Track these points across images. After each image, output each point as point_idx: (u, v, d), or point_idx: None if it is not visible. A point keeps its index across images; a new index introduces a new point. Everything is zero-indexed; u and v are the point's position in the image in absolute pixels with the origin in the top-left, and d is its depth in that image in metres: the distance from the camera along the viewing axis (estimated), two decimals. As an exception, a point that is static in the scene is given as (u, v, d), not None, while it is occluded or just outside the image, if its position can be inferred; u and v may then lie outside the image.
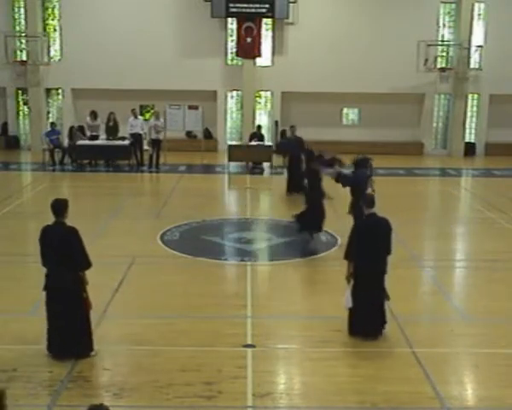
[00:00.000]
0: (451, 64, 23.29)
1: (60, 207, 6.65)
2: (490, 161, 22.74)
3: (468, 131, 24.50)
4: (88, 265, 6.64)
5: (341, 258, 10.51)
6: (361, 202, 7.52)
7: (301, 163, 15.13)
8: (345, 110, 24.22)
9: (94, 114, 20.09)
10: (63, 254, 6.50)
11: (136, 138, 19.40)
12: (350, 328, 7.30)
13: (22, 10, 23.14)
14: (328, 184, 11.47)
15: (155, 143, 19.27)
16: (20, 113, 24.12)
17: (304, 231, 11.42)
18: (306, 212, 11.45)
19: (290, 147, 16.35)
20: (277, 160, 20.79)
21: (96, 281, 7.07)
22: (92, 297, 6.77)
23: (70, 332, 6.60)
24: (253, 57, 22.87)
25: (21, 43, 23.19)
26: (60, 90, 23.88)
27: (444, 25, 23.63)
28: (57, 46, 23.40)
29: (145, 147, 19.67)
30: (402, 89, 23.19)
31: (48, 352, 6.70)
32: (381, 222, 7.23)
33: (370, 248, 7.05)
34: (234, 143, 21.72)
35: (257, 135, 20.32)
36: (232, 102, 24.26)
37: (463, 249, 11.98)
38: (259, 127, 21.09)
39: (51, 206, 6.67)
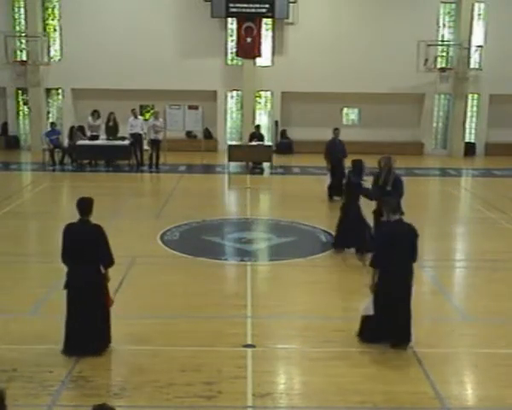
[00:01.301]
0: (451, 64, 23.30)
1: (85, 205, 6.71)
2: (490, 161, 22.75)
3: (468, 131, 24.52)
4: (112, 262, 6.76)
5: (341, 258, 10.59)
6: (383, 207, 7.29)
7: (343, 167, 14.70)
8: (345, 110, 24.23)
9: (97, 114, 20.09)
10: (89, 251, 6.59)
11: (136, 138, 19.40)
12: (361, 333, 7.07)
13: (22, 10, 23.15)
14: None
15: (154, 144, 19.26)
16: (20, 113, 24.13)
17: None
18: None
19: (336, 150, 15.21)
20: (278, 159, 20.84)
21: (96, 281, 7.07)
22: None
23: (92, 329, 6.66)
24: (253, 57, 22.88)
25: (21, 43, 23.20)
26: (60, 90, 23.89)
27: (444, 25, 23.65)
28: (57, 46, 23.41)
29: (145, 147, 19.67)
30: (402, 89, 23.19)
31: (65, 353, 6.67)
32: (406, 228, 6.96)
33: (395, 254, 6.78)
34: (234, 143, 21.75)
35: (256, 135, 20.32)
36: (232, 102, 24.27)
37: (463, 249, 11.98)
38: (258, 127, 21.08)
39: (77, 204, 6.70)
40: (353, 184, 10.59)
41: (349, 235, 10.53)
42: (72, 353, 6.67)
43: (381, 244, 6.96)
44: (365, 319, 7.07)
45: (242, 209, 14.50)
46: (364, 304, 7.06)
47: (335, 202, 14.72)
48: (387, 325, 6.92)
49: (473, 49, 23.38)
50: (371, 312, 6.93)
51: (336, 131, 15.54)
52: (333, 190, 14.90)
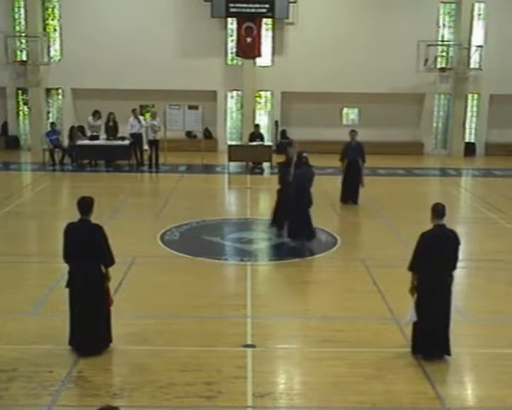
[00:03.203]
0: (451, 64, 23.30)
1: (86, 205, 6.72)
2: (490, 161, 22.75)
3: (468, 131, 24.50)
4: (112, 262, 6.77)
5: (341, 258, 10.60)
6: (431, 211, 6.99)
7: (359, 170, 14.53)
8: (345, 110, 24.22)
9: (98, 114, 20.07)
10: (88, 251, 6.60)
11: (137, 138, 19.40)
12: (414, 346, 6.89)
13: (22, 10, 23.14)
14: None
15: (153, 144, 19.25)
16: (20, 113, 24.11)
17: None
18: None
19: (349, 152, 14.75)
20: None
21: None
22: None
23: (92, 329, 6.68)
24: (253, 57, 22.87)
25: (21, 43, 23.19)
26: (60, 90, 23.88)
27: (444, 25, 23.63)
28: (57, 46, 23.40)
29: (145, 147, 19.67)
30: (402, 89, 23.19)
31: (70, 346, 6.76)
32: (449, 235, 6.80)
33: (436, 260, 6.66)
34: (234, 143, 21.74)
35: (257, 135, 20.32)
36: (232, 102, 24.26)
37: (464, 249, 11.86)
38: (257, 126, 21.06)
39: (77, 203, 6.71)
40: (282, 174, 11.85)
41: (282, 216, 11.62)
42: (75, 349, 6.71)
43: (422, 248, 6.74)
44: (416, 332, 6.86)
45: (242, 209, 14.50)
46: (408, 315, 6.85)
47: (338, 204, 14.70)
48: (429, 334, 6.74)
49: (473, 49, 23.36)
50: (414, 318, 6.75)
51: (352, 133, 15.03)
52: (344, 194, 14.70)
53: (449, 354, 6.79)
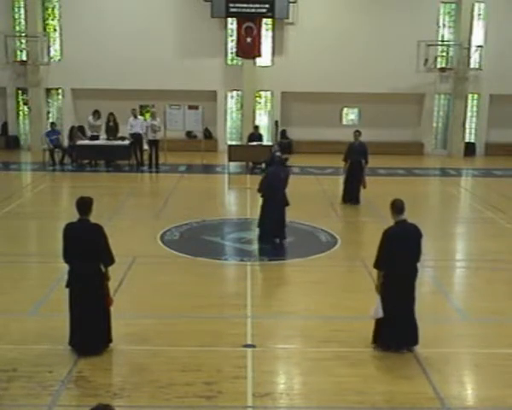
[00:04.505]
0: (451, 64, 23.30)
1: (85, 205, 6.73)
2: (490, 161, 22.75)
3: (468, 131, 24.51)
4: (112, 261, 6.78)
5: (341, 258, 10.60)
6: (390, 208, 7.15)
7: (361, 171, 14.47)
8: (345, 110, 24.23)
9: (98, 114, 20.08)
10: (88, 251, 6.61)
11: (136, 138, 19.41)
12: (376, 338, 6.96)
13: (22, 10, 23.15)
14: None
15: (153, 144, 19.26)
16: (20, 113, 24.12)
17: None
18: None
19: (352, 153, 14.68)
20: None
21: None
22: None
23: (92, 329, 6.69)
24: (253, 57, 22.87)
25: (21, 43, 23.19)
26: (60, 90, 23.89)
27: (444, 25, 23.64)
28: (57, 46, 23.41)
29: (145, 147, 19.68)
30: (402, 89, 23.19)
31: (70, 346, 6.76)
32: (410, 229, 6.92)
33: (400, 256, 6.75)
34: (234, 143, 21.72)
35: (256, 136, 20.31)
36: (232, 102, 24.26)
37: (463, 249, 11.98)
38: (257, 127, 21.06)
39: (76, 204, 6.71)
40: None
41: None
42: (75, 349, 6.71)
43: (385, 245, 6.84)
44: (378, 326, 6.93)
45: (242, 209, 14.50)
46: (373, 309, 6.91)
47: (338, 204, 14.71)
48: (399, 328, 6.82)
49: (473, 49, 23.37)
50: (381, 314, 6.80)
51: (356, 133, 14.92)
52: (347, 196, 14.68)
53: (416, 343, 6.90)
